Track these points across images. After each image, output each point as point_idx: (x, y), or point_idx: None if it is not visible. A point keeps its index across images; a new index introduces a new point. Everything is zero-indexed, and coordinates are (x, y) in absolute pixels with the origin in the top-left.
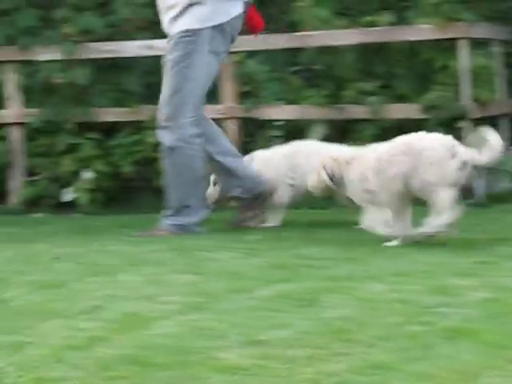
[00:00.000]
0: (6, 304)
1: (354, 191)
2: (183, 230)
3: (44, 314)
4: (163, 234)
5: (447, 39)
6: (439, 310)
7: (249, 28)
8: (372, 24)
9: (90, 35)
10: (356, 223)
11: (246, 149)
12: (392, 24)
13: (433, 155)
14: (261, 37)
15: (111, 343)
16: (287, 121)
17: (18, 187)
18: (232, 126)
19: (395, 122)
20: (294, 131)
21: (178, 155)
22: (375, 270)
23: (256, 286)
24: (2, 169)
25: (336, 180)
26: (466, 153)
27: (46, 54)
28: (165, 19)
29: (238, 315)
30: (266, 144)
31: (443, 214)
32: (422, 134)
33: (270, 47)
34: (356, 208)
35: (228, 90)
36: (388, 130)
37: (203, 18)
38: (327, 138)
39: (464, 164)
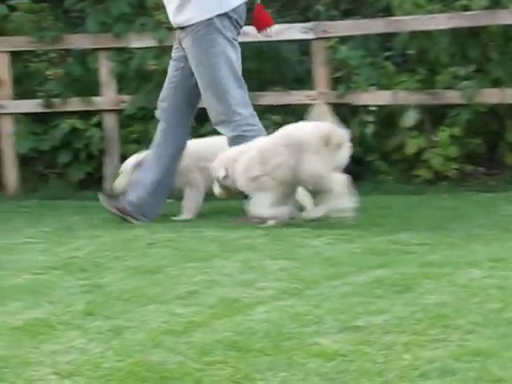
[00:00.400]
0: (102, 289)
1: (241, 182)
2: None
3: (141, 299)
4: (259, 220)
5: None
6: None
7: (257, 25)
8: (466, 8)
9: None
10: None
11: None
12: (486, 8)
13: (311, 145)
14: (354, 22)
15: (209, 328)
16: (380, 106)
17: (112, 173)
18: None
19: (490, 107)
20: (387, 117)
21: (244, 142)
22: (471, 255)
23: (351, 271)
24: (98, 155)
25: (229, 178)
26: (341, 136)
27: (139, 41)
28: (168, 10)
29: (334, 301)
30: (358, 130)
31: (340, 198)
32: (300, 124)
33: (364, 32)
34: None
35: (320, 75)
36: (482, 115)
37: (208, 7)
38: (420, 124)
39: (338, 146)
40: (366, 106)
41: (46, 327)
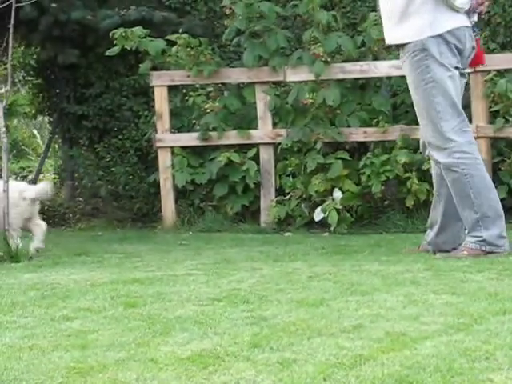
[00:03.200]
0: (267, 321)
1: None
2: (486, 244)
3: (307, 332)
4: (465, 253)
5: None
6: None
7: (471, 61)
8: None
9: (339, 56)
10: None
11: (494, 169)
12: None
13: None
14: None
15: (377, 362)
16: None
17: (268, 206)
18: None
19: None
20: None
21: (457, 170)
22: None
23: None
24: (254, 188)
25: None
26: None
27: (295, 75)
28: (384, 29)
29: (504, 337)
30: None
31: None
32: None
33: None
34: None
35: (478, 109)
36: None
37: (423, 28)
38: None
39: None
40: None
41: (215, 358)
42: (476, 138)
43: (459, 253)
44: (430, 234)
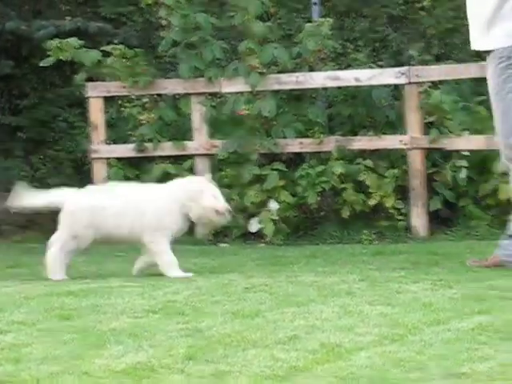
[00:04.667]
0: (202, 333)
1: None
2: None
3: (242, 344)
4: (494, 262)
5: None
6: None
7: None
8: None
9: (275, 67)
10: None
11: (430, 180)
12: None
13: None
14: (447, 66)
15: (311, 373)
16: (473, 151)
17: None
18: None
19: None
20: (480, 162)
21: None
22: None
23: (451, 317)
24: None
25: None
26: None
27: (231, 86)
28: (471, 33)
29: (437, 347)
30: (451, 174)
31: None
32: None
33: (456, 77)
34: None
35: (413, 120)
36: None
37: (510, 33)
38: None
39: None
40: (458, 151)
41: (149, 371)
42: (410, 149)
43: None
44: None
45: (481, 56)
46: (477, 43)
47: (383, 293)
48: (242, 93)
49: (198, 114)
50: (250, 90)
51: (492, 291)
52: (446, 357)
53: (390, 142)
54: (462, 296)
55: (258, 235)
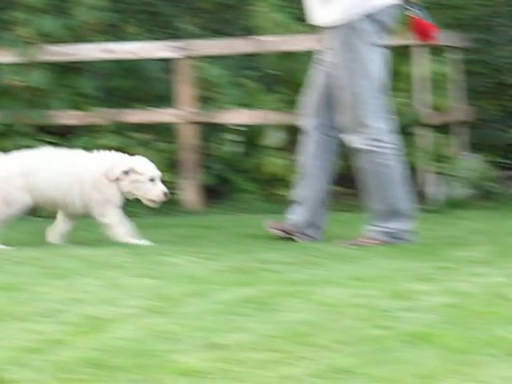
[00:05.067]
0: None
1: None
2: (393, 237)
3: (2, 317)
4: (372, 242)
5: (402, 45)
6: (399, 314)
7: (421, 35)
8: None
9: (47, 38)
10: None
11: (201, 154)
12: None
13: None
14: (220, 41)
15: (71, 346)
16: (244, 125)
17: None
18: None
19: None
20: (250, 136)
21: (373, 157)
22: (335, 274)
23: (215, 289)
24: None
25: None
26: None
27: (3, 57)
28: (309, 7)
29: (198, 319)
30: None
31: None
32: None
33: (229, 52)
34: None
35: (186, 94)
36: None
37: (353, 6)
38: (282, 143)
39: None
40: (229, 125)
41: None
42: (183, 123)
43: (366, 241)
44: (297, 214)
45: (251, 31)
46: (317, 18)
47: (151, 266)
48: (14, 64)
49: None
50: (19, 60)
51: (257, 264)
52: (207, 328)
53: (162, 115)
54: (227, 268)
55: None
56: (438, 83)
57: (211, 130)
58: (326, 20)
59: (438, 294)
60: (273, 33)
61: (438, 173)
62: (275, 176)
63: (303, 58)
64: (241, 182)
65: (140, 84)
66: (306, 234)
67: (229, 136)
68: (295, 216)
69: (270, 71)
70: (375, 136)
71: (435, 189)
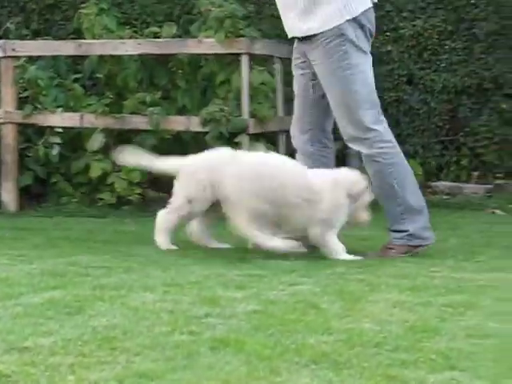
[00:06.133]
0: None
1: None
2: (412, 238)
3: None
4: (394, 252)
5: (230, 54)
6: (207, 320)
7: None
8: (156, 35)
9: None
10: None
11: (22, 155)
12: (176, 36)
13: None
14: (44, 42)
15: None
16: (67, 128)
17: None
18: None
19: (175, 134)
20: (73, 139)
21: (379, 160)
22: (148, 279)
23: (24, 292)
24: None
25: None
26: None
27: None
28: (285, 20)
29: (4, 322)
30: (43, 151)
31: None
32: None
33: (53, 53)
34: None
35: (7, 94)
36: (167, 142)
37: (339, 12)
38: (106, 147)
39: None
40: (52, 128)
41: None
42: (3, 123)
43: (388, 253)
44: None
45: (78, 35)
46: (295, 31)
47: None
48: None
49: None
50: None
51: (72, 267)
52: (12, 331)
53: None
54: (40, 271)
55: None
56: (261, 92)
57: (35, 133)
58: (310, 30)
59: (249, 301)
60: (99, 36)
61: None
62: (98, 179)
63: (126, 63)
64: (63, 185)
65: None
66: None
67: (51, 138)
68: None
69: (94, 75)
70: (379, 138)
71: None
